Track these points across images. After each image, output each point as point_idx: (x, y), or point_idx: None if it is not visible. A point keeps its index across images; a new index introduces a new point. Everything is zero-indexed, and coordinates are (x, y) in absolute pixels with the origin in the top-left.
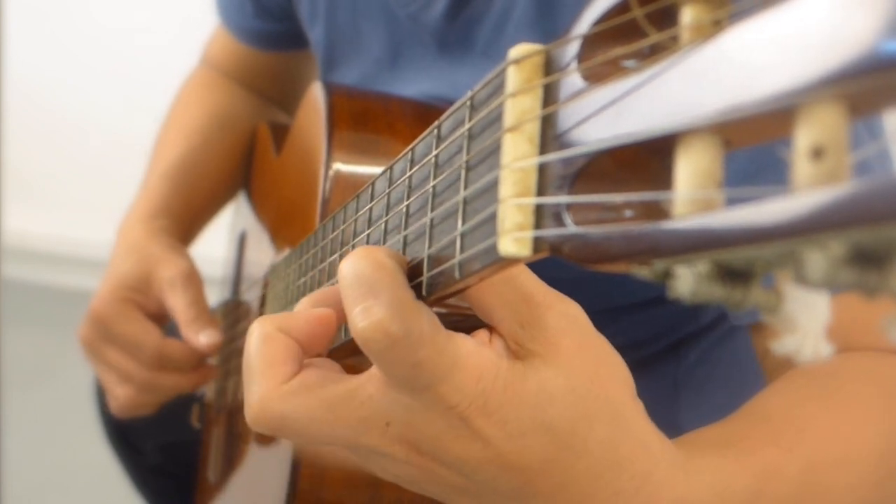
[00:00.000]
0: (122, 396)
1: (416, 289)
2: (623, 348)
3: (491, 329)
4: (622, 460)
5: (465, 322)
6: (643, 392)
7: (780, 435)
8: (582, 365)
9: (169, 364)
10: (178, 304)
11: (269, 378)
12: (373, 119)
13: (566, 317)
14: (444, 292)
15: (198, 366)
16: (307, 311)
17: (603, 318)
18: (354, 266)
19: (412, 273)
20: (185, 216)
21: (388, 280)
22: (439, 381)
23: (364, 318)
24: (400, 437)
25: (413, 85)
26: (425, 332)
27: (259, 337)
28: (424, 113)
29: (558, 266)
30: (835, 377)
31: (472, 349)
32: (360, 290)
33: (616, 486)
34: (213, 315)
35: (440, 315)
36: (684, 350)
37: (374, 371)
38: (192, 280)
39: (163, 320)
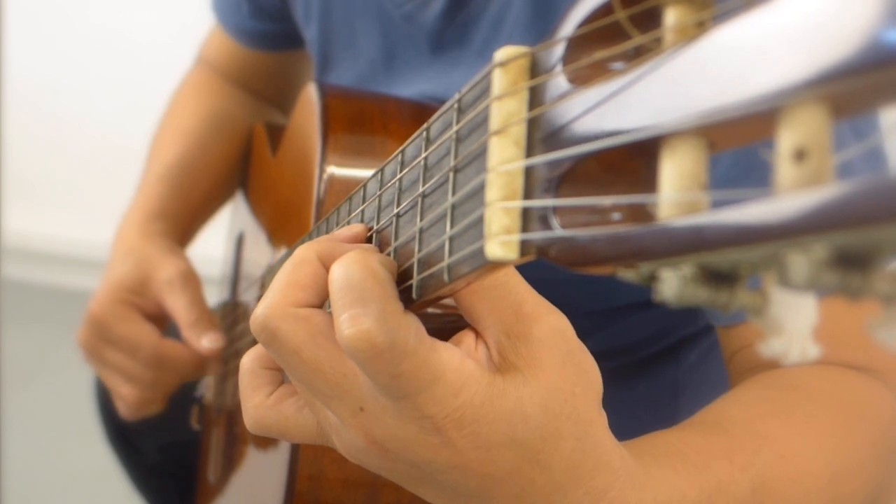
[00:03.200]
0: (127, 397)
1: (407, 291)
2: (623, 348)
3: (477, 334)
4: (583, 475)
5: (458, 322)
6: (643, 394)
7: (736, 450)
8: (560, 383)
9: (168, 365)
10: (178, 306)
11: (283, 294)
12: (367, 120)
13: (552, 332)
14: (434, 295)
15: (197, 366)
16: (342, 233)
17: (603, 318)
18: (346, 270)
19: (403, 275)
20: (182, 218)
21: (379, 290)
22: (418, 392)
23: (350, 326)
24: (366, 429)
25: (409, 86)
26: (409, 345)
27: (296, 257)
28: (419, 113)
29: (555, 268)
30: (797, 393)
31: (456, 364)
32: (350, 297)
33: (573, 499)
34: (213, 317)
35: (435, 315)
36: (684, 350)
37: None
38: (191, 281)
39: (161, 322)
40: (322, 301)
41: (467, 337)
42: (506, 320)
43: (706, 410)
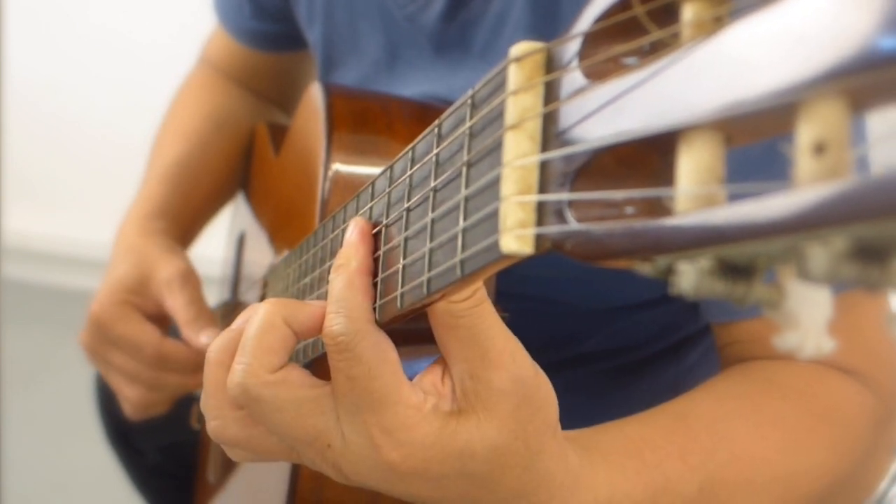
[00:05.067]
0: (132, 397)
1: (418, 288)
2: (624, 348)
3: (446, 367)
4: (527, 492)
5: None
6: (644, 393)
7: (692, 450)
8: (513, 424)
9: (169, 364)
10: (176, 305)
11: (259, 361)
12: (371, 119)
13: (512, 380)
14: (447, 291)
15: (199, 366)
16: (316, 303)
17: (604, 318)
18: (332, 285)
19: (413, 272)
20: (183, 217)
21: (349, 301)
22: (370, 408)
23: (326, 325)
24: (334, 463)
25: (411, 86)
26: (366, 352)
27: (262, 321)
28: (423, 113)
29: (560, 266)
30: (771, 389)
31: (414, 401)
32: (334, 306)
33: None
34: (213, 315)
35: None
36: (684, 350)
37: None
38: (190, 280)
39: (163, 321)
40: (288, 357)
41: (434, 372)
42: (472, 361)
43: (678, 400)
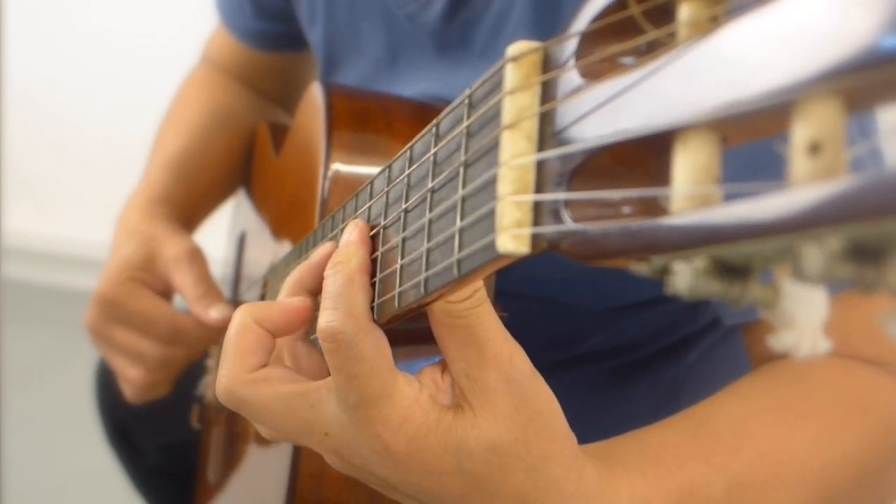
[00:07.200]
0: (136, 378)
1: (415, 287)
2: (624, 347)
3: (445, 367)
4: (533, 499)
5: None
6: (643, 392)
7: (715, 451)
8: (510, 425)
9: (182, 338)
10: (185, 282)
11: (237, 364)
12: (371, 119)
13: (508, 380)
14: (444, 290)
15: (209, 341)
16: (283, 301)
17: (604, 318)
18: (328, 281)
19: (410, 271)
20: (183, 206)
21: (349, 298)
22: (368, 403)
23: (322, 321)
24: (335, 449)
25: (412, 86)
26: (366, 350)
27: (236, 326)
28: (423, 113)
29: (559, 266)
30: (799, 385)
31: (409, 393)
32: (329, 301)
33: None
34: (220, 291)
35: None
36: (684, 350)
37: (328, 380)
38: (197, 257)
39: (169, 299)
40: (269, 357)
41: (435, 369)
42: (469, 361)
43: (700, 405)
